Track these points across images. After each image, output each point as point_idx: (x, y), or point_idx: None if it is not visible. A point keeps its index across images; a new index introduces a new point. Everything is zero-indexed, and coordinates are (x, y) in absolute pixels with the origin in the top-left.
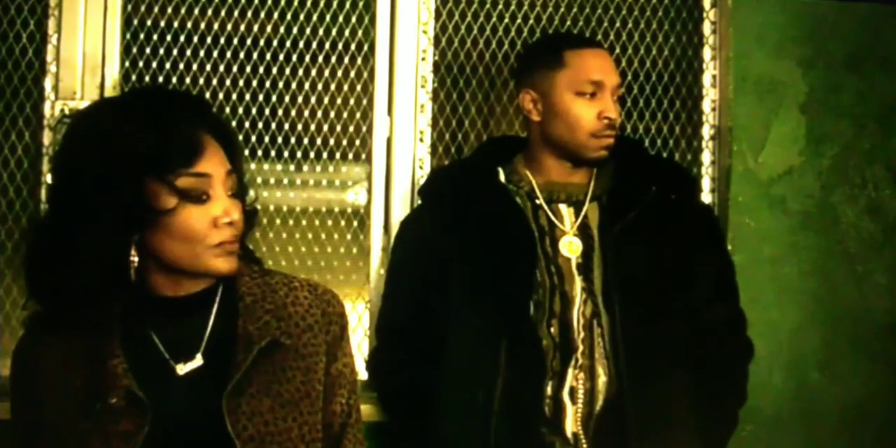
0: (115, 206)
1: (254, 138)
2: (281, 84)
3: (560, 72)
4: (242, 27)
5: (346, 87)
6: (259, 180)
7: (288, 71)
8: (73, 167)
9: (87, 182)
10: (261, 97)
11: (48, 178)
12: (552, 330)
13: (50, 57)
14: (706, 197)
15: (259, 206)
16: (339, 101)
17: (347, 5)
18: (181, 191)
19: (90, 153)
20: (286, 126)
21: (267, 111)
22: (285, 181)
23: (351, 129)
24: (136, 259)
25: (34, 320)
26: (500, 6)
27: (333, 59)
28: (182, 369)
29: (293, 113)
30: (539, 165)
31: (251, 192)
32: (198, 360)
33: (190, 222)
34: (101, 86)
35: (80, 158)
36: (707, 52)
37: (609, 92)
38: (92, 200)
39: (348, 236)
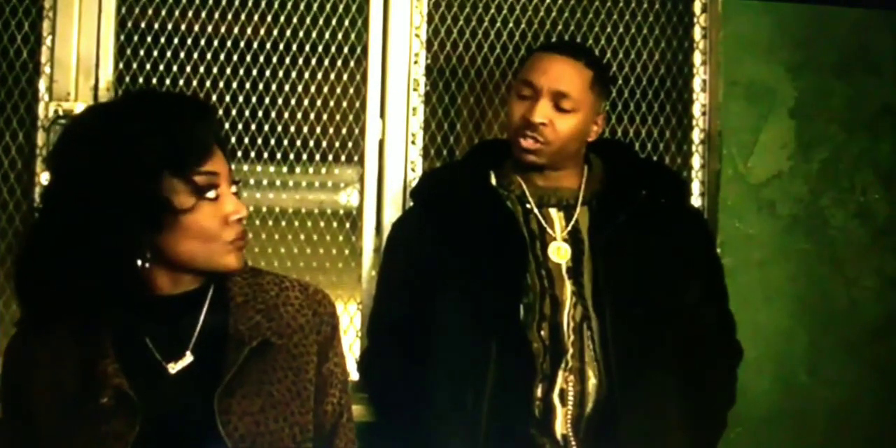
0: (132, 208)
1: (247, 140)
2: (274, 86)
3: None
4: (236, 29)
5: (338, 90)
6: (252, 182)
7: (281, 73)
8: (81, 168)
9: (101, 183)
10: (254, 99)
11: (42, 179)
12: (542, 333)
13: (44, 58)
14: (696, 201)
15: (252, 208)
16: (331, 103)
17: (340, 8)
18: (199, 188)
19: (103, 154)
20: (279, 128)
21: (260, 113)
22: (278, 183)
23: (343, 131)
24: (140, 261)
25: (25, 321)
26: (493, 10)
27: (326, 61)
28: (174, 368)
29: (286, 115)
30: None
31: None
32: (188, 358)
33: (206, 220)
34: (95, 87)
35: (91, 159)
36: (697, 57)
37: (545, 96)
38: (106, 202)
39: (340, 238)
